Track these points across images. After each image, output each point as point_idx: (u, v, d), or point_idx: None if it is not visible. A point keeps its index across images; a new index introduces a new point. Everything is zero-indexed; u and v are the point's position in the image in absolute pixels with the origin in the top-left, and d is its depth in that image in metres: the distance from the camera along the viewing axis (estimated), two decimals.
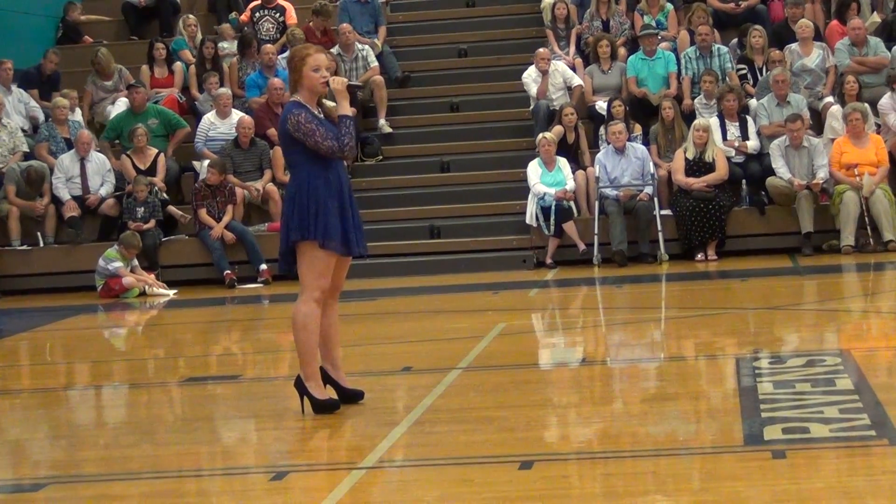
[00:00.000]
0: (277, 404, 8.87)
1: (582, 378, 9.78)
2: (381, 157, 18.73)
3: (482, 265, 16.73)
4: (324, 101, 8.41)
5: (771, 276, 14.95)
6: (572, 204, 16.80)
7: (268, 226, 17.23)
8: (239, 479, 7.24)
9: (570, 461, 7.14)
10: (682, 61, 18.24)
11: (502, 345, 11.19)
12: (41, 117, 18.80)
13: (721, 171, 16.64)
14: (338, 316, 8.55)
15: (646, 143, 17.35)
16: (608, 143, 17.09)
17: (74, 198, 17.61)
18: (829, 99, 17.50)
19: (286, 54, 16.67)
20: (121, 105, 18.85)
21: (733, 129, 17.20)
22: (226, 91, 18.39)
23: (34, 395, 10.42)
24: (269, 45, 19.04)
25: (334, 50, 18.86)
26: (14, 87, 18.97)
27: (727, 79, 17.89)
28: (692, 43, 18.46)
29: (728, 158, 16.86)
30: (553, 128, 17.46)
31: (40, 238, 17.62)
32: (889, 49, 17.87)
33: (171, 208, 17.49)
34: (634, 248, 16.60)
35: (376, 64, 19.31)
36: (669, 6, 19.46)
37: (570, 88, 18.31)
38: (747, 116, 17.34)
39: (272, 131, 17.24)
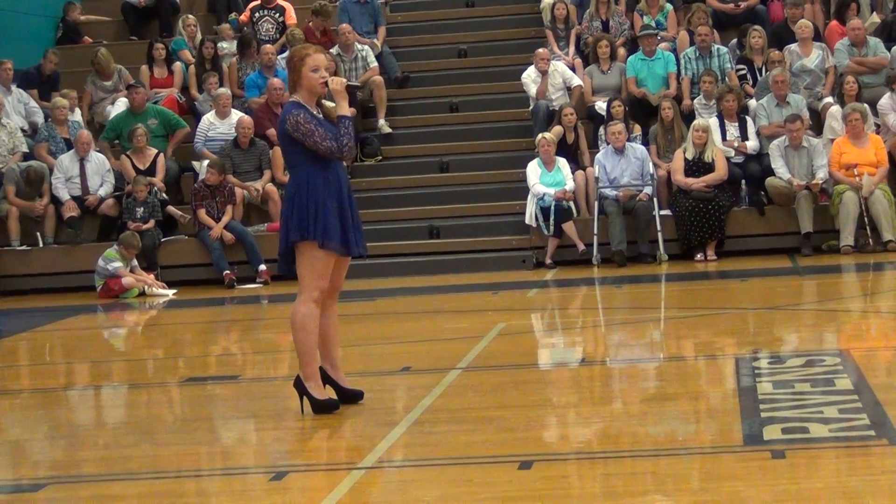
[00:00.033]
0: (277, 404, 8.87)
1: (581, 378, 9.78)
2: (380, 158, 18.73)
3: (482, 265, 16.73)
4: (323, 101, 8.41)
5: (770, 276, 14.95)
6: (572, 204, 16.80)
7: (267, 226, 17.24)
8: (238, 480, 7.24)
9: (570, 461, 7.14)
10: (682, 62, 18.24)
11: (502, 345, 11.19)
12: (40, 120, 18.77)
13: (720, 172, 16.64)
14: (337, 316, 8.56)
15: (645, 143, 17.35)
16: (608, 144, 17.09)
17: (74, 198, 17.61)
18: (829, 99, 17.50)
19: (286, 54, 16.68)
20: (120, 105, 18.85)
21: (733, 130, 17.20)
22: (225, 91, 18.39)
23: (34, 395, 10.42)
24: (268, 46, 19.04)
25: (334, 50, 18.87)
26: (14, 88, 18.97)
27: (727, 79, 17.89)
28: (692, 43, 18.47)
29: (727, 159, 16.86)
30: (552, 128, 17.46)
31: (40, 238, 17.62)
32: (888, 49, 17.87)
33: (171, 208, 17.49)
34: (634, 249, 16.60)
35: (376, 64, 19.32)
36: (669, 6, 19.46)
37: (569, 89, 18.31)
38: (747, 117, 17.34)
39: (272, 131, 17.24)
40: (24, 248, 17.58)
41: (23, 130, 18.52)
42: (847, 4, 18.55)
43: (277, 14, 20.26)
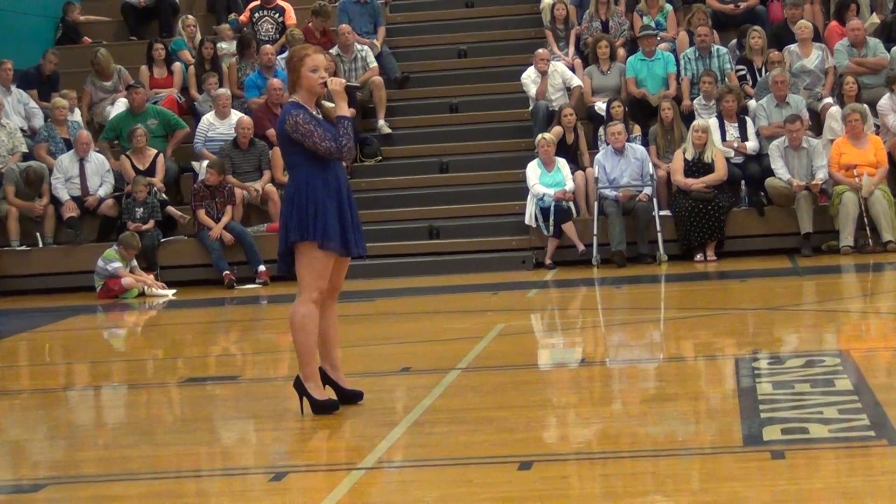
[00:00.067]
0: (276, 405, 8.87)
1: (581, 379, 9.78)
2: (380, 158, 18.73)
3: (481, 266, 16.73)
4: (322, 101, 8.41)
5: (770, 276, 14.95)
6: (571, 204, 16.80)
7: (267, 226, 17.24)
8: (238, 480, 7.24)
9: (570, 462, 7.14)
10: (682, 62, 18.24)
11: (501, 345, 11.19)
12: (39, 122, 18.76)
13: (720, 172, 16.65)
14: (337, 316, 8.55)
15: (645, 143, 17.36)
16: (607, 144, 17.09)
17: (73, 198, 17.61)
18: (829, 100, 17.50)
19: (285, 55, 16.68)
20: (120, 105, 18.85)
21: (732, 130, 17.20)
22: (225, 91, 18.39)
23: (33, 395, 10.42)
24: (268, 46, 19.04)
25: (333, 50, 18.87)
26: (14, 88, 18.96)
27: (726, 80, 17.89)
28: (691, 44, 18.47)
29: (727, 159, 16.86)
30: (552, 128, 17.47)
31: (39, 238, 17.62)
32: (888, 50, 17.87)
33: (171, 209, 17.49)
34: (633, 249, 16.60)
35: (375, 64, 19.32)
36: (668, 7, 19.47)
37: (569, 89, 18.31)
38: (746, 117, 17.34)
39: (271, 132, 17.23)
40: (23, 248, 17.57)
41: (22, 131, 18.51)
42: (847, 5, 18.55)
43: (277, 14, 20.26)
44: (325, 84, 8.24)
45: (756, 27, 18.40)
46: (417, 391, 9.06)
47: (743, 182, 16.98)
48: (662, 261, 16.47)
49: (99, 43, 20.94)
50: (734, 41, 18.84)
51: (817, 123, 17.35)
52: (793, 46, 17.99)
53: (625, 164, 16.84)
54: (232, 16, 20.99)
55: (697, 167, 16.66)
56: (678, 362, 10.38)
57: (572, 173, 17.01)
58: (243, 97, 18.82)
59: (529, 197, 16.87)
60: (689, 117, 17.54)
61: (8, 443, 8.53)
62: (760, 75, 17.92)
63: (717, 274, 15.74)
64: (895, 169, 16.83)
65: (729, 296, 14.32)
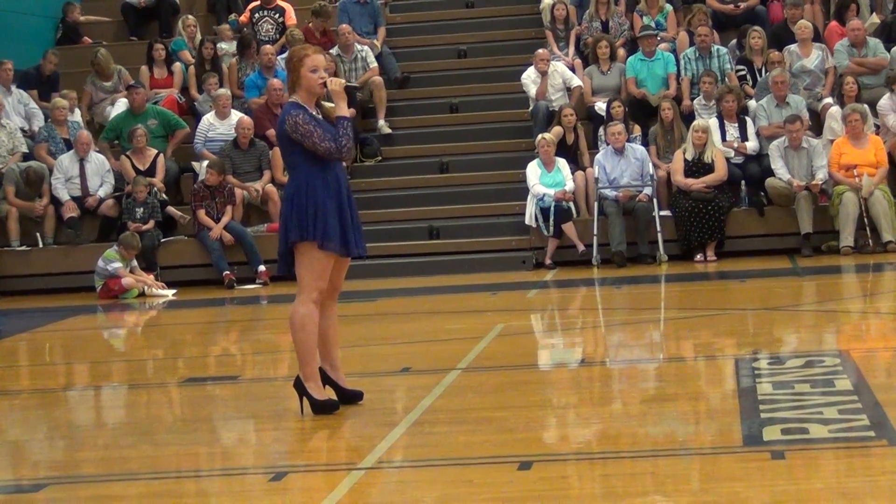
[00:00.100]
0: (276, 405, 8.87)
1: (581, 379, 9.78)
2: (380, 158, 18.73)
3: (481, 266, 16.73)
4: (322, 102, 8.41)
5: (770, 276, 14.95)
6: (571, 205, 16.80)
7: (267, 227, 17.24)
8: (238, 480, 7.24)
9: (569, 462, 7.14)
10: (682, 62, 18.24)
11: (501, 345, 11.19)
12: (39, 124, 18.75)
13: (720, 172, 16.65)
14: (337, 317, 8.55)
15: (645, 143, 17.36)
16: (607, 144, 17.10)
17: (74, 198, 17.61)
18: (829, 100, 17.50)
19: (285, 55, 16.68)
20: (120, 106, 18.86)
21: (732, 130, 17.20)
22: (225, 92, 18.39)
23: (33, 395, 10.42)
24: (268, 46, 19.04)
25: (333, 51, 18.87)
26: (14, 88, 18.96)
27: (726, 80, 17.89)
28: (691, 44, 18.47)
29: (727, 159, 16.87)
30: (552, 129, 17.47)
31: (39, 239, 17.62)
32: (888, 50, 17.87)
33: (171, 209, 17.49)
34: (633, 249, 16.61)
35: (375, 65, 19.32)
36: (669, 7, 19.47)
37: (569, 89, 18.31)
38: (746, 117, 17.35)
39: (271, 132, 17.23)
40: (23, 248, 17.58)
41: (22, 131, 18.51)
42: (847, 5, 18.55)
43: (277, 15, 20.26)
44: (324, 84, 8.24)
45: (756, 27, 18.40)
46: (417, 391, 9.05)
47: (743, 182, 16.98)
48: (662, 261, 16.47)
49: (99, 43, 20.95)
50: (734, 41, 18.84)
51: (817, 123, 17.35)
52: (793, 46, 17.99)
53: (625, 165, 16.84)
54: (232, 16, 21.00)
55: (697, 167, 16.66)
56: (678, 362, 10.38)
57: (572, 173, 17.01)
58: (243, 97, 18.82)
59: (529, 197, 16.87)
60: (689, 117, 17.54)
61: (8, 443, 8.53)
62: (760, 75, 17.92)
63: (717, 274, 15.74)
64: (895, 169, 16.83)
65: (729, 296, 14.32)
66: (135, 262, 16.67)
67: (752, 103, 17.60)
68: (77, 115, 18.90)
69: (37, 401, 10.12)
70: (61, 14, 21.83)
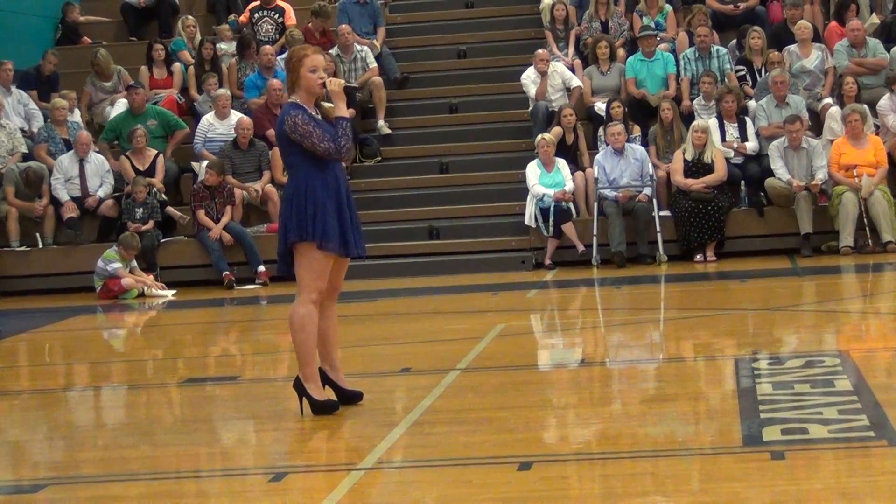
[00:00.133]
0: (276, 405, 8.87)
1: (581, 379, 9.78)
2: (380, 158, 18.73)
3: (481, 266, 16.73)
4: (322, 102, 8.40)
5: (770, 277, 14.95)
6: (571, 205, 16.80)
7: (266, 227, 17.24)
8: (238, 480, 7.24)
9: (569, 462, 7.14)
10: (681, 62, 18.24)
11: (501, 346, 11.19)
12: (39, 124, 18.74)
13: (720, 173, 16.65)
14: (337, 317, 8.55)
15: (644, 144, 17.36)
16: (607, 145, 17.09)
17: (73, 199, 17.61)
18: (828, 100, 17.50)
19: (285, 55, 16.69)
20: (120, 106, 18.86)
21: (732, 131, 17.20)
22: (225, 92, 18.39)
23: (33, 396, 10.42)
24: (267, 46, 19.04)
25: (333, 51, 18.87)
26: (14, 89, 18.96)
27: (726, 80, 17.90)
28: (691, 44, 18.47)
29: (727, 159, 16.87)
30: (552, 129, 17.47)
31: (39, 239, 17.62)
32: (888, 50, 17.87)
33: (170, 209, 17.49)
34: (633, 250, 16.60)
35: (375, 65, 19.32)
36: (668, 7, 19.47)
37: (568, 89, 18.31)
38: (746, 118, 17.35)
39: (271, 132, 17.23)
40: (23, 248, 17.57)
41: (22, 131, 18.51)
42: (846, 5, 18.55)
43: (277, 15, 20.26)
44: (323, 85, 8.24)
45: (756, 28, 18.40)
46: (417, 391, 9.05)
47: (743, 182, 16.98)
48: (662, 261, 16.47)
49: (98, 43, 20.95)
50: (734, 41, 18.84)
51: (817, 124, 17.36)
52: (792, 47, 17.99)
53: (624, 165, 16.84)
54: (232, 16, 21.00)
55: (697, 167, 16.66)
56: (678, 363, 10.39)
57: (572, 174, 17.01)
58: (243, 98, 18.82)
59: (529, 197, 16.87)
60: (688, 118, 17.54)
61: (8, 443, 8.53)
62: (760, 76, 17.92)
63: (717, 274, 15.74)
64: (895, 169, 16.84)
65: (729, 296, 14.32)
66: (134, 263, 16.67)
67: (751, 103, 17.60)
68: (77, 116, 18.90)
69: (37, 401, 10.13)
70: (61, 14, 21.83)
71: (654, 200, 16.68)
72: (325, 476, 7.14)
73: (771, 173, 16.67)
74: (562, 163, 17.00)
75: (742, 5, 19.45)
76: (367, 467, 7.10)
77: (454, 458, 7.27)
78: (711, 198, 16.52)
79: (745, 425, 7.44)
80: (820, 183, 16.42)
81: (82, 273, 16.97)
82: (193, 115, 18.93)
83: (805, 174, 16.54)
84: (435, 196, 18.05)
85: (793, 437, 7.10)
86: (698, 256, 16.44)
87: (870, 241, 16.05)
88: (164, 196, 17.58)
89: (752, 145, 17.10)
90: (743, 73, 18.11)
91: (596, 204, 16.82)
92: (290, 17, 20.27)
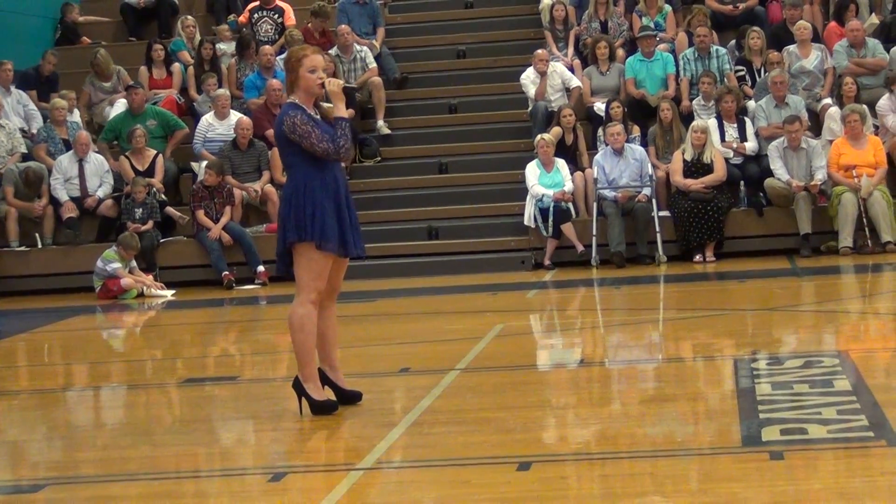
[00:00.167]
0: (275, 405, 8.87)
1: (580, 379, 9.78)
2: (379, 159, 18.73)
3: (480, 266, 16.73)
4: (321, 103, 8.40)
5: (769, 277, 14.95)
6: (570, 205, 16.80)
7: (266, 227, 17.24)
8: (237, 480, 7.24)
9: (568, 462, 7.14)
10: (681, 63, 18.24)
11: (500, 346, 11.19)
12: (38, 123, 18.73)
13: (719, 173, 16.65)
14: (336, 317, 8.55)
15: (644, 144, 17.36)
16: (606, 145, 17.10)
17: (73, 199, 17.61)
18: (828, 100, 17.51)
19: (284, 55, 16.69)
20: (119, 106, 18.86)
21: (731, 131, 17.20)
22: (224, 92, 18.39)
23: (32, 396, 10.42)
24: (267, 47, 19.04)
25: (333, 51, 18.87)
26: (13, 89, 18.96)
27: (725, 80, 17.90)
28: (690, 44, 18.47)
29: (726, 160, 16.87)
30: (551, 129, 17.47)
31: (38, 239, 17.62)
32: (887, 51, 17.88)
33: (170, 209, 17.49)
34: (632, 250, 16.60)
35: (374, 65, 19.32)
36: (668, 8, 19.47)
37: (568, 90, 18.31)
38: (745, 118, 17.35)
39: (270, 132, 17.20)
40: (22, 248, 17.57)
41: (22, 131, 18.51)
42: (846, 6, 18.55)
43: (276, 15, 20.26)
44: (322, 85, 8.23)
45: (755, 28, 18.40)
46: (416, 392, 9.05)
47: (742, 183, 16.99)
48: (661, 261, 16.47)
49: (98, 44, 20.95)
50: (733, 42, 18.85)
51: (816, 124, 17.36)
52: (792, 47, 18.00)
53: (624, 165, 16.85)
54: (231, 16, 20.99)
55: (696, 168, 16.66)
56: (677, 363, 10.39)
57: (571, 174, 17.01)
58: (242, 98, 18.82)
59: (528, 197, 16.87)
60: (688, 118, 17.54)
61: (7, 443, 8.53)
62: (759, 76, 17.93)
63: (717, 275, 15.74)
64: (894, 170, 16.84)
65: (728, 296, 14.33)
66: (134, 263, 16.67)
67: (751, 104, 17.60)
68: (76, 116, 18.89)
69: (36, 401, 10.12)
70: (60, 14, 21.82)
71: (654, 201, 16.68)
72: (325, 476, 7.14)
73: (770, 173, 16.67)
74: (561, 163, 17.01)
75: (741, 5, 19.45)
76: (367, 467, 7.10)
77: (453, 458, 7.27)
78: (711, 198, 16.52)
79: (745, 425, 7.44)
80: (819, 183, 16.42)
81: (81, 273, 16.97)
82: (193, 116, 18.93)
83: (804, 174, 16.54)
84: (434, 196, 18.06)
85: (792, 438, 7.10)
86: (697, 257, 16.44)
87: (869, 241, 16.06)
88: (163, 196, 17.58)
89: (751, 145, 17.10)
90: (742, 73, 18.11)
91: (595, 204, 16.82)
92: (290, 18, 20.27)
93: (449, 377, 9.50)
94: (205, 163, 17.53)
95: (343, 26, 19.41)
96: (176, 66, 19.70)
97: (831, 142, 16.75)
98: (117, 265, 16.43)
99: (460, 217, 17.75)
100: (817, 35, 18.43)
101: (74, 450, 8.24)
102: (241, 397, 9.70)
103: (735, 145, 17.08)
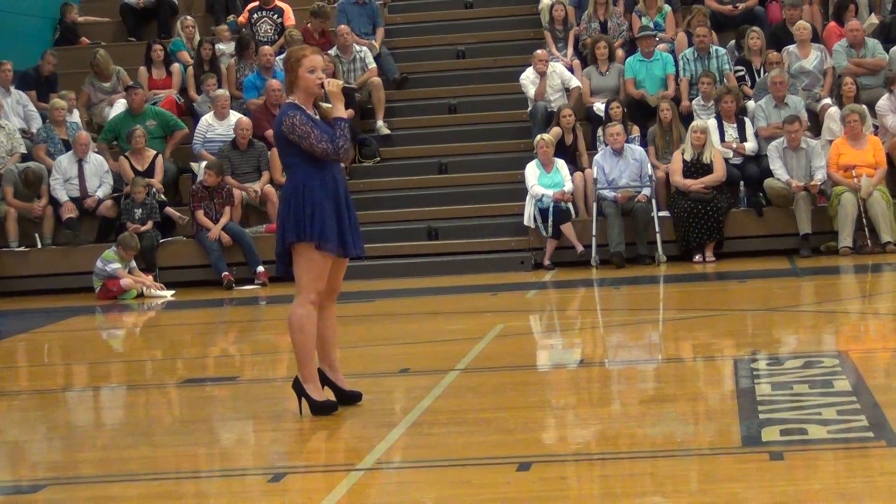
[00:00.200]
0: (275, 406, 8.87)
1: (580, 379, 9.78)
2: (379, 159, 18.73)
3: (480, 266, 16.73)
4: (321, 103, 8.40)
5: (769, 277, 14.95)
6: (570, 205, 16.80)
7: (266, 227, 17.24)
8: (237, 481, 7.24)
9: (568, 462, 7.14)
10: (680, 63, 18.24)
11: (500, 346, 11.19)
12: (38, 124, 18.72)
13: (719, 173, 16.65)
14: (336, 317, 8.55)
15: (643, 144, 17.36)
16: (606, 145, 17.10)
17: (72, 199, 17.61)
18: (827, 100, 17.51)
19: (283, 55, 16.68)
20: (119, 106, 18.86)
21: (731, 131, 17.21)
22: (224, 92, 18.39)
23: (32, 396, 10.42)
24: (266, 47, 19.05)
25: (332, 51, 18.87)
26: (13, 89, 18.96)
27: (725, 80, 17.90)
28: (690, 44, 18.47)
29: (726, 160, 16.87)
30: (551, 129, 17.47)
31: (38, 239, 17.62)
32: (887, 51, 17.88)
33: (169, 210, 17.49)
34: (632, 250, 16.61)
35: (374, 65, 19.32)
36: (667, 8, 19.47)
37: (567, 90, 18.32)
38: (745, 118, 17.35)
39: (270, 133, 17.20)
40: (22, 249, 17.57)
41: (21, 131, 18.51)
42: (845, 6, 18.55)
43: (276, 15, 20.26)
44: (322, 85, 8.23)
45: (755, 28, 18.41)
46: (416, 392, 9.05)
47: (742, 183, 16.99)
48: (661, 262, 16.47)
49: (97, 44, 20.95)
50: (733, 42, 18.85)
51: (816, 124, 17.36)
52: (791, 47, 18.00)
53: (623, 165, 16.85)
54: (230, 17, 20.99)
55: (696, 168, 16.66)
56: (677, 363, 10.39)
57: (571, 174, 17.02)
58: (242, 98, 18.82)
59: (528, 198, 16.87)
60: (687, 118, 17.54)
61: (7, 444, 8.53)
62: (759, 76, 17.93)
63: (716, 275, 15.74)
64: (894, 170, 16.84)
65: (728, 297, 14.33)
66: (133, 263, 16.67)
67: (750, 104, 17.60)
68: (76, 116, 18.89)
69: (36, 401, 10.12)
70: (59, 15, 21.81)
71: (653, 201, 16.69)
72: (324, 476, 7.14)
73: (770, 174, 16.68)
74: (561, 163, 17.01)
75: (741, 6, 19.45)
76: (366, 468, 7.10)
77: (453, 458, 7.27)
78: (710, 198, 16.52)
79: (744, 426, 7.44)
80: (819, 183, 16.42)
81: (81, 273, 16.97)
82: (192, 116, 18.93)
83: (804, 174, 16.54)
84: (434, 196, 18.06)
85: (792, 438, 7.10)
86: (697, 257, 16.44)
87: (869, 241, 16.06)
88: (163, 196, 17.58)
89: (750, 146, 17.10)
90: (742, 73, 18.11)
91: (595, 204, 16.82)
92: (289, 18, 20.27)
93: (449, 377, 9.50)
94: (204, 163, 17.53)
95: (342, 26, 19.42)
96: (175, 67, 19.70)
97: (831, 142, 16.75)
98: (117, 265, 16.42)
99: (460, 217, 17.75)
100: (817, 35, 18.43)
101: (74, 450, 8.24)
102: (240, 398, 9.70)
103: (735, 145, 17.08)
